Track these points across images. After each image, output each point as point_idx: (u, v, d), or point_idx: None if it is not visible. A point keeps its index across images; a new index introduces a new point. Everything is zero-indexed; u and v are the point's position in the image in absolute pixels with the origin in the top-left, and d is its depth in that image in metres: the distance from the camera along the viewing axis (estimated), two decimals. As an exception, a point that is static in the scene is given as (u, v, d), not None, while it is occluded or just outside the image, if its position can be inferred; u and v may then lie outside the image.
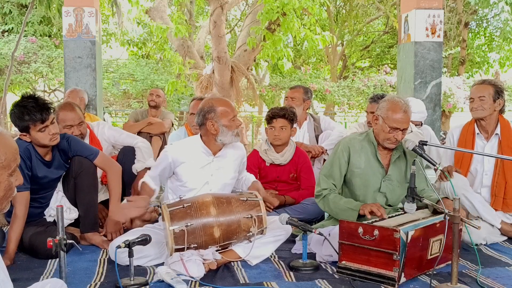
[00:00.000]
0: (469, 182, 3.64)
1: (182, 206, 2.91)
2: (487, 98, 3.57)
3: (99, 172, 3.68)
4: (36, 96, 3.22)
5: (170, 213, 2.87)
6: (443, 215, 2.74)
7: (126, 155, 3.91)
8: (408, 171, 3.26)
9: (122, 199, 3.61)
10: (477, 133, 3.69)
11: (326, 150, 4.52)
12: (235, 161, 3.30)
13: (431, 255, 2.82)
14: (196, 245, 2.87)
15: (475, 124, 3.72)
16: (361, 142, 3.27)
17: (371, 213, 3.00)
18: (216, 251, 2.95)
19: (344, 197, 3.26)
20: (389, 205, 3.30)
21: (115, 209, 3.50)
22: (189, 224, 2.85)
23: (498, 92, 3.58)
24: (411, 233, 2.64)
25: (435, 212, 3.06)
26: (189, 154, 3.17)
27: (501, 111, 3.67)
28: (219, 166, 3.21)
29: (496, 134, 3.65)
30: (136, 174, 3.88)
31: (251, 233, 2.97)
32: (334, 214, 3.24)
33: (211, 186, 3.18)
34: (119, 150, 4.15)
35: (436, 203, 2.98)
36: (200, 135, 3.22)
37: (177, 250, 2.84)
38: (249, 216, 2.96)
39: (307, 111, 4.86)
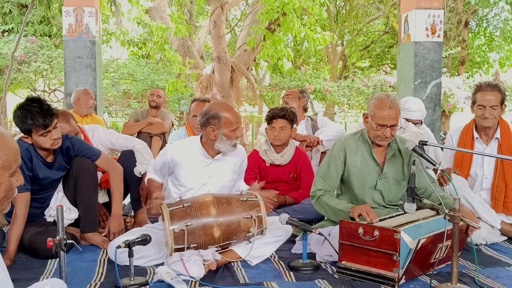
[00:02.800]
0: (468, 185, 3.62)
1: (182, 206, 2.91)
2: (498, 106, 3.50)
3: (99, 177, 3.67)
4: (40, 100, 3.21)
5: (170, 212, 2.87)
6: (443, 215, 2.73)
7: (127, 159, 3.90)
8: (405, 169, 3.27)
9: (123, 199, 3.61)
10: (476, 138, 3.67)
11: (322, 141, 4.52)
12: (234, 165, 3.29)
13: (434, 259, 2.83)
14: (196, 245, 2.87)
15: (474, 128, 3.69)
16: (356, 141, 3.29)
17: (360, 216, 2.91)
18: (216, 251, 2.95)
19: (336, 198, 3.25)
20: (388, 203, 3.30)
21: (118, 210, 3.51)
22: (189, 224, 2.85)
23: (504, 96, 3.53)
24: (422, 241, 2.63)
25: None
26: (187, 155, 3.17)
27: None
28: (218, 169, 3.21)
29: (496, 138, 3.63)
30: (139, 176, 3.88)
31: (251, 233, 2.97)
32: (329, 216, 3.25)
33: (209, 188, 3.17)
34: (115, 153, 4.13)
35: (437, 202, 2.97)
36: (201, 136, 3.22)
37: (176, 250, 2.84)
38: (249, 216, 2.96)
39: (304, 112, 4.88)
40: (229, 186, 3.30)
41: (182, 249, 2.85)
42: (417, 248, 2.61)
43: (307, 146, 4.44)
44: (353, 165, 3.25)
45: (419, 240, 2.60)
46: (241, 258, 3.02)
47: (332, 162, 3.26)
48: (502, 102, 3.53)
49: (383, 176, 3.24)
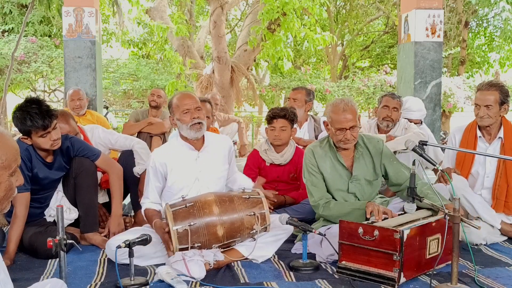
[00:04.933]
0: (469, 184, 3.61)
1: (184, 205, 2.91)
2: (493, 105, 3.47)
3: (99, 177, 3.67)
4: (39, 101, 3.20)
5: (173, 213, 2.87)
6: (442, 214, 2.73)
7: (127, 159, 3.89)
8: (376, 168, 3.31)
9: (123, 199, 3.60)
10: (479, 136, 3.66)
11: None
12: (222, 153, 3.29)
13: (429, 254, 2.83)
14: (200, 244, 2.87)
15: (477, 127, 3.67)
16: (323, 148, 3.34)
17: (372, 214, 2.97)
18: (219, 247, 2.95)
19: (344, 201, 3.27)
20: None
21: (118, 210, 3.51)
22: (192, 223, 2.85)
23: (505, 96, 3.49)
24: (406, 232, 2.64)
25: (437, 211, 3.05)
26: (172, 153, 3.19)
27: None
28: (206, 161, 3.21)
29: (499, 137, 3.61)
30: (138, 176, 3.88)
31: (254, 231, 2.97)
32: (340, 219, 3.24)
33: (202, 182, 3.18)
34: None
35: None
36: None
37: (181, 250, 2.85)
38: (252, 213, 2.96)
39: (308, 112, 4.88)
40: (223, 176, 3.30)
41: (186, 249, 2.85)
42: (404, 240, 2.61)
43: None
44: (324, 171, 3.29)
45: (403, 232, 2.61)
46: (244, 256, 3.03)
47: (310, 169, 3.31)
48: (501, 101, 3.50)
49: (354, 179, 3.27)
